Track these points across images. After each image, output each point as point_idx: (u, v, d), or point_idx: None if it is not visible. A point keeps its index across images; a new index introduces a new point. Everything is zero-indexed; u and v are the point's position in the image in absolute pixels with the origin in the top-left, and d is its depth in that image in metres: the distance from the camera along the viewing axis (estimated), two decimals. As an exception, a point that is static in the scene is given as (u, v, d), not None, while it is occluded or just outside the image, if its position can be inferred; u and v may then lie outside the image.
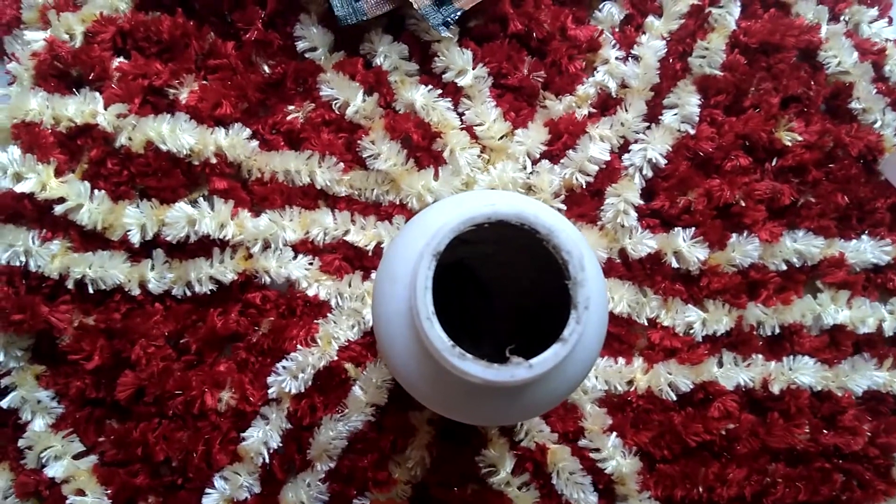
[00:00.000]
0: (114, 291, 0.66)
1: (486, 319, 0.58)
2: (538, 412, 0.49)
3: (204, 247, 0.67)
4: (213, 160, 0.67)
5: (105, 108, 0.66)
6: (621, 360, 0.69)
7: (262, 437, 0.65)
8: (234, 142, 0.67)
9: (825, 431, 0.70)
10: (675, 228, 0.70)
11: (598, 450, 0.68)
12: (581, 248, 0.43)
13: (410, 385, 0.48)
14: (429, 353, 0.43)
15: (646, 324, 0.70)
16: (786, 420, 0.69)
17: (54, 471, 0.65)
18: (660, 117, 0.71)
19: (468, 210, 0.43)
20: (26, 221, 0.65)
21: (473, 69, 0.69)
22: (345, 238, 0.68)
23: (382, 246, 0.68)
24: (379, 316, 0.47)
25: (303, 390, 0.66)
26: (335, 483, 0.66)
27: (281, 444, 0.66)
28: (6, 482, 0.65)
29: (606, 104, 0.71)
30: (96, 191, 0.65)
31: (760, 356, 0.70)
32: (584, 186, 0.70)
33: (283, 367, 0.66)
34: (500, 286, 0.59)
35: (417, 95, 0.69)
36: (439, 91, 0.70)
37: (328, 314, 0.68)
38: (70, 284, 0.65)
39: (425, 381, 0.46)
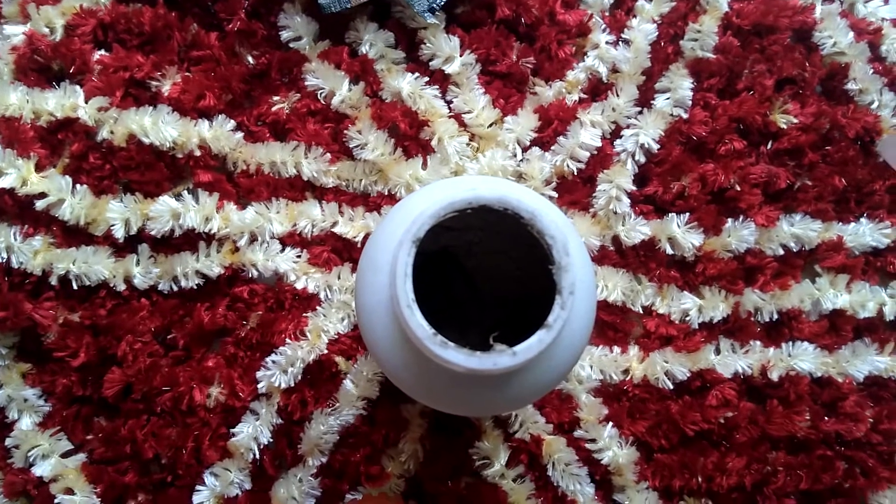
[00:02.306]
0: (99, 287, 0.65)
1: (473, 309, 0.57)
2: (527, 402, 0.47)
3: (189, 241, 0.66)
4: (198, 153, 0.66)
5: (86, 102, 0.65)
6: (616, 349, 0.68)
7: (252, 432, 0.65)
8: (219, 134, 0.66)
9: (826, 418, 0.69)
10: (669, 214, 0.69)
11: (594, 440, 0.67)
12: (566, 232, 0.42)
13: (395, 376, 0.47)
14: (411, 342, 0.41)
15: (641, 312, 0.69)
16: (785, 407, 0.69)
17: (42, 470, 0.64)
18: (652, 102, 0.70)
19: (449, 195, 0.41)
20: (7, 217, 0.65)
21: (461, 56, 0.68)
22: (333, 230, 0.67)
23: (371, 237, 0.67)
24: (362, 306, 0.47)
25: (293, 384, 0.65)
26: (327, 478, 0.66)
27: (271, 440, 0.65)
28: (-6, 482, 0.65)
29: (597, 89, 0.71)
30: (78, 185, 0.65)
31: (758, 343, 0.69)
32: (576, 173, 0.69)
33: (273, 362, 0.65)
34: (486, 275, 0.58)
35: (404, 84, 0.68)
36: (426, 79, 0.69)
37: (317, 307, 0.67)
38: (54, 280, 0.64)
39: (409, 372, 0.45)
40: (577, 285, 0.41)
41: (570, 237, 0.42)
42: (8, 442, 0.65)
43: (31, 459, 0.65)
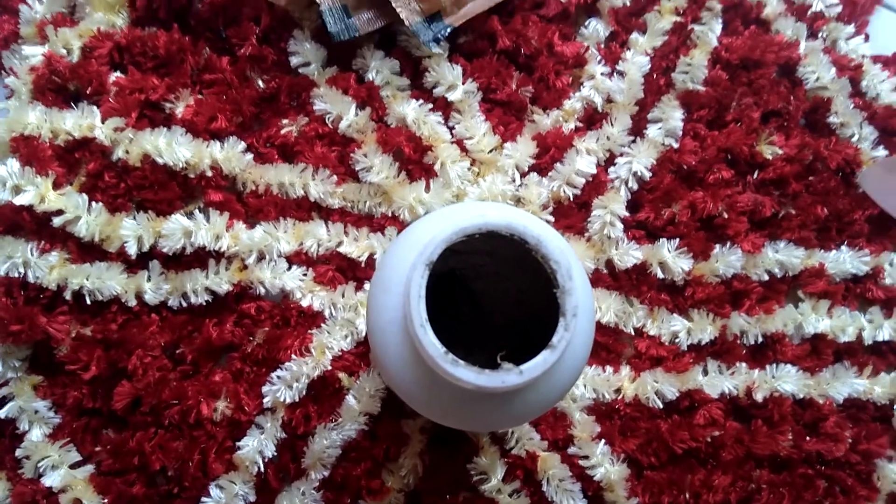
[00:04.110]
0: (111, 302, 0.66)
1: (478, 329, 0.60)
2: (529, 418, 0.50)
3: (199, 258, 0.68)
4: (209, 173, 0.68)
5: (102, 122, 0.67)
6: (609, 369, 0.70)
7: (257, 445, 0.66)
8: (230, 155, 0.68)
9: (808, 438, 0.71)
10: (660, 239, 0.71)
11: (587, 457, 0.68)
12: (569, 257, 0.44)
13: (405, 392, 0.49)
14: (422, 360, 0.44)
15: (632, 333, 0.71)
16: (769, 427, 0.71)
17: (52, 480, 0.65)
18: (644, 131, 0.73)
19: (460, 221, 0.44)
20: (25, 233, 0.66)
21: (463, 84, 0.71)
22: (338, 249, 0.69)
23: (375, 257, 0.69)
24: (373, 325, 0.49)
25: (297, 400, 0.67)
26: (329, 491, 0.67)
27: (276, 453, 0.66)
28: (3, 492, 0.66)
29: (592, 118, 0.73)
30: (94, 203, 0.66)
31: (744, 364, 0.71)
32: (572, 199, 0.71)
33: (278, 377, 0.67)
34: (490, 296, 0.60)
35: (409, 109, 0.70)
36: (430, 105, 0.71)
37: (322, 324, 0.68)
38: (68, 295, 0.65)
39: (419, 388, 0.47)
40: (579, 307, 0.43)
41: (572, 262, 0.45)
42: (18, 452, 0.65)
43: (40, 470, 0.65)
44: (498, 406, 0.46)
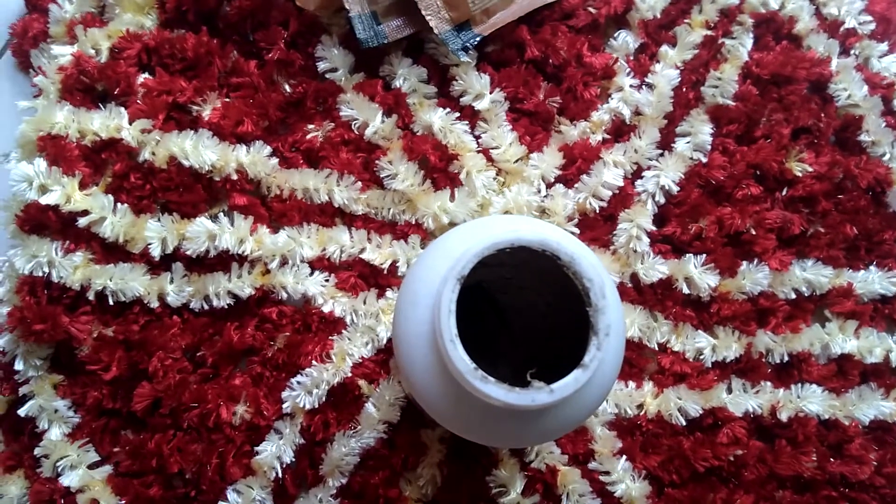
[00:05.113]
0: (133, 303, 0.66)
1: (502, 339, 0.59)
2: (556, 436, 0.49)
3: (223, 261, 0.67)
4: (234, 176, 0.68)
5: (130, 123, 0.67)
6: (632, 384, 0.70)
7: (275, 451, 0.66)
8: (255, 159, 0.68)
9: (832, 460, 0.70)
10: (687, 255, 0.71)
11: (607, 473, 0.68)
12: (602, 275, 0.44)
13: (430, 405, 0.48)
14: (451, 374, 0.43)
15: (656, 348, 0.71)
16: (793, 447, 0.70)
17: (69, 480, 0.65)
18: (672, 145, 0.72)
19: (492, 235, 0.43)
20: (50, 233, 0.66)
21: (490, 93, 0.71)
22: (361, 256, 0.69)
23: (398, 264, 0.69)
24: (400, 337, 0.48)
25: (316, 406, 0.67)
26: (346, 499, 0.67)
27: (294, 459, 0.66)
28: (21, 490, 0.66)
29: (620, 131, 0.73)
30: (119, 204, 0.66)
31: (769, 383, 0.71)
32: (598, 211, 0.71)
33: (298, 383, 0.67)
34: (516, 308, 0.60)
35: (435, 118, 0.70)
36: (457, 114, 0.71)
37: (343, 331, 0.68)
38: (91, 296, 0.65)
39: (446, 402, 0.47)
40: (612, 326, 0.43)
41: (605, 280, 0.44)
42: (37, 451, 0.66)
43: (59, 469, 0.65)
44: (525, 423, 0.46)
